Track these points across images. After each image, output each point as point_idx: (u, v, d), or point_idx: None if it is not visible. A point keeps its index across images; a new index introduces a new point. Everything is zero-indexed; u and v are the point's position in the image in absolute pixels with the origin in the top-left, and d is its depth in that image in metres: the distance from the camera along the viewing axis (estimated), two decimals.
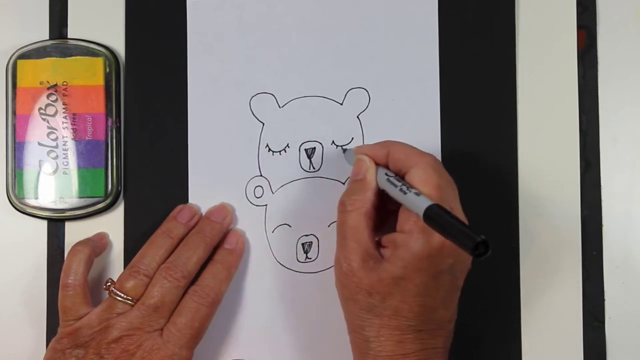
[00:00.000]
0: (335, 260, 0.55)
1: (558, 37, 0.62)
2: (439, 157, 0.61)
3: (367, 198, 0.54)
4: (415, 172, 0.53)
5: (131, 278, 0.57)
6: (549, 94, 0.62)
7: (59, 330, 0.58)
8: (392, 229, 0.54)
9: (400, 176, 0.54)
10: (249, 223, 0.62)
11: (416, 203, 0.51)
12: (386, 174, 0.54)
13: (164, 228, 0.60)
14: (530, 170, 0.61)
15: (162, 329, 0.57)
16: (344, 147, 0.61)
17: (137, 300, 0.57)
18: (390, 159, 0.55)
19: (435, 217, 0.49)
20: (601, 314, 0.61)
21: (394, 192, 0.53)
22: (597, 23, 0.62)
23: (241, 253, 0.61)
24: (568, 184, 0.62)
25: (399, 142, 0.56)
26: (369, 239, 0.53)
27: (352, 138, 0.62)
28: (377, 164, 0.55)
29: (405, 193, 0.52)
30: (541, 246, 0.61)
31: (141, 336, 0.56)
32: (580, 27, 0.62)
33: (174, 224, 0.60)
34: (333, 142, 0.62)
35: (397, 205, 0.54)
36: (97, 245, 0.61)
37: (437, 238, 0.51)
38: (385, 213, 0.56)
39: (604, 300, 0.61)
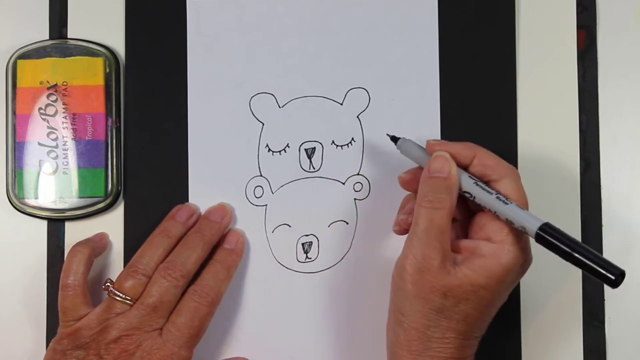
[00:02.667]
0: (408, 257, 0.52)
1: (558, 37, 0.62)
2: None
3: (454, 198, 0.53)
4: (507, 184, 0.53)
5: (130, 278, 0.57)
6: (549, 94, 0.62)
7: (59, 330, 0.58)
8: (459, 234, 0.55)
9: (484, 183, 0.54)
10: (248, 223, 0.62)
11: (523, 218, 0.51)
12: (471, 178, 0.54)
13: (162, 227, 0.60)
14: (530, 170, 0.61)
15: (161, 329, 0.57)
16: (395, 136, 0.58)
17: (136, 300, 0.57)
18: (476, 163, 0.54)
19: (551, 237, 0.50)
20: (601, 314, 0.61)
21: (485, 198, 0.53)
22: (597, 23, 0.62)
23: (241, 253, 0.61)
24: (568, 184, 0.62)
25: (484, 148, 0.55)
26: (449, 242, 0.52)
27: (352, 138, 0.62)
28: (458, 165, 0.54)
29: (506, 204, 0.52)
30: (541, 246, 0.61)
31: (140, 336, 0.56)
32: (580, 27, 0.62)
33: (172, 224, 0.60)
34: (333, 142, 0.62)
35: (467, 211, 0.54)
36: (97, 246, 0.61)
37: (526, 253, 0.52)
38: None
39: (604, 300, 0.61)
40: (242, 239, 0.61)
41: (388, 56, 0.62)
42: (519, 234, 0.52)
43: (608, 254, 0.61)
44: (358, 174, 0.62)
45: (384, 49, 0.62)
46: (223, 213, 0.61)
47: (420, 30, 0.62)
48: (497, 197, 0.52)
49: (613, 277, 0.49)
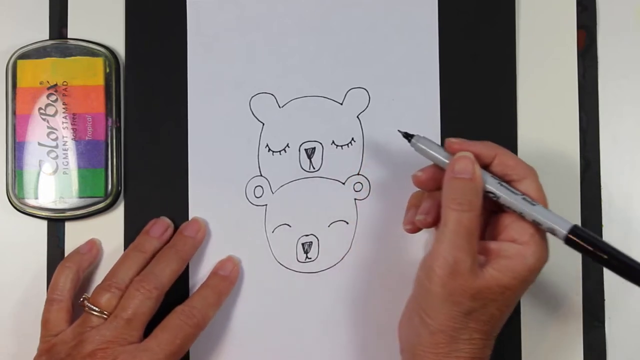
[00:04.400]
0: (441, 258, 0.52)
1: (558, 37, 0.62)
2: None
3: (480, 200, 0.53)
4: (529, 184, 0.53)
5: (104, 292, 0.57)
6: (549, 94, 0.62)
7: (38, 347, 0.58)
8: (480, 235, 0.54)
9: (506, 183, 0.54)
10: (248, 223, 0.62)
11: (552, 219, 0.52)
12: (494, 178, 0.54)
13: (136, 243, 0.60)
14: None
15: (137, 343, 0.56)
16: (408, 132, 0.56)
17: (111, 313, 0.57)
18: (497, 163, 0.54)
19: (583, 240, 0.51)
20: (601, 314, 0.61)
21: (511, 199, 0.53)
22: (597, 23, 0.62)
23: (234, 281, 0.61)
24: (568, 184, 0.62)
25: (504, 148, 0.55)
26: (477, 244, 0.52)
27: (352, 138, 0.62)
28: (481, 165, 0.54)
29: (533, 205, 0.52)
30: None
31: (115, 349, 0.55)
32: (580, 27, 0.62)
33: (146, 239, 0.60)
34: (333, 142, 0.62)
35: (487, 211, 0.54)
36: (87, 258, 0.61)
37: (547, 252, 0.53)
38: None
39: (604, 300, 0.61)
40: (238, 267, 0.61)
41: (388, 56, 0.62)
42: (542, 235, 0.53)
43: None
44: (358, 174, 0.62)
45: (384, 49, 0.62)
46: (197, 228, 0.61)
47: (420, 30, 0.62)
48: (524, 198, 0.52)
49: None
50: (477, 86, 0.62)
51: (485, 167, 0.54)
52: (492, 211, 0.55)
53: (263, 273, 0.62)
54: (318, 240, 0.62)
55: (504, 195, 0.53)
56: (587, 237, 0.52)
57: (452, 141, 0.55)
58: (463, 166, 0.53)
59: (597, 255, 0.51)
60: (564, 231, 0.51)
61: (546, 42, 0.62)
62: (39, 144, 0.62)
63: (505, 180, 0.54)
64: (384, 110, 0.62)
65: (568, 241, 0.52)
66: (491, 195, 0.53)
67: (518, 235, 0.53)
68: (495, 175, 0.54)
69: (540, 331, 0.61)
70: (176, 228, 0.62)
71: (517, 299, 0.54)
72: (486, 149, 0.54)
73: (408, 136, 0.56)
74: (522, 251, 0.52)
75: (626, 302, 0.61)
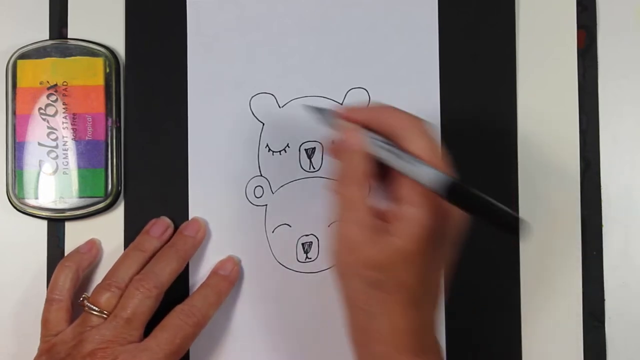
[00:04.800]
0: (337, 237, 0.51)
1: (558, 37, 0.62)
2: None
3: (365, 168, 0.51)
4: (415, 140, 0.50)
5: (104, 291, 0.57)
6: (549, 94, 0.62)
7: (39, 347, 0.58)
8: (384, 197, 0.52)
9: (392, 142, 0.51)
10: (249, 223, 0.62)
11: (430, 177, 0.48)
12: (380, 141, 0.51)
13: (136, 242, 0.60)
14: (530, 170, 0.61)
15: (137, 342, 0.56)
16: (318, 107, 0.56)
17: (111, 313, 0.57)
18: (380, 124, 0.52)
19: (460, 195, 0.48)
20: (601, 314, 0.61)
21: (395, 162, 0.50)
22: (597, 23, 0.62)
23: (234, 281, 0.61)
24: (568, 184, 0.62)
25: (387, 105, 0.53)
26: (368, 211, 0.50)
27: None
28: (366, 129, 0.52)
29: (413, 165, 0.49)
30: (541, 246, 0.61)
31: (115, 349, 0.55)
32: (580, 27, 0.62)
33: (146, 238, 0.60)
34: (333, 142, 0.62)
35: (388, 173, 0.51)
36: (87, 257, 0.61)
37: (440, 209, 0.49)
38: (376, 178, 0.53)
39: (604, 300, 0.61)
40: (238, 267, 0.61)
41: (388, 56, 0.62)
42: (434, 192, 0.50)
43: (608, 253, 0.61)
44: None
45: (384, 49, 0.62)
46: (197, 227, 0.61)
47: (420, 30, 0.62)
48: (404, 159, 0.50)
49: (517, 227, 0.46)
50: (477, 86, 0.62)
51: (375, 132, 0.52)
52: (388, 176, 0.53)
53: (263, 273, 0.62)
54: (318, 240, 0.62)
55: (387, 157, 0.50)
56: (465, 193, 0.48)
57: (339, 111, 0.53)
58: (346, 137, 0.52)
59: (474, 210, 0.48)
60: (441, 188, 0.48)
61: (546, 42, 0.62)
62: (39, 144, 0.62)
63: (394, 140, 0.51)
64: None
65: (449, 198, 0.48)
66: (379, 160, 0.51)
67: (410, 196, 0.50)
68: (384, 137, 0.51)
69: (540, 331, 0.61)
70: (176, 228, 0.62)
71: (431, 261, 0.50)
72: (367, 112, 0.53)
73: (318, 110, 0.55)
74: (415, 212, 0.49)
75: (626, 302, 0.61)
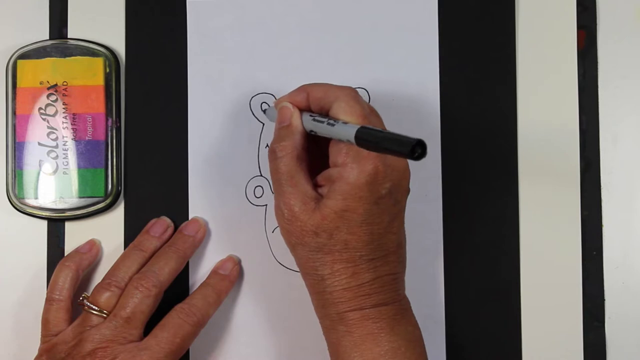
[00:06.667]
0: (276, 209, 0.54)
1: (558, 37, 0.62)
2: (439, 157, 0.61)
3: (297, 141, 0.54)
4: (338, 106, 0.53)
5: (103, 291, 0.57)
6: (549, 94, 0.62)
7: (39, 347, 0.58)
8: (327, 168, 0.54)
9: (324, 114, 0.54)
10: (249, 223, 0.62)
11: (345, 131, 0.51)
12: (310, 115, 0.54)
13: (136, 242, 0.60)
14: (530, 170, 0.61)
15: (137, 341, 0.56)
16: (264, 109, 0.61)
17: (111, 312, 0.57)
18: (311, 100, 0.55)
19: (366, 137, 0.49)
20: (601, 314, 0.61)
21: (321, 128, 0.53)
22: (597, 23, 0.62)
23: (234, 280, 0.61)
24: (568, 184, 0.62)
25: (315, 83, 0.55)
26: (305, 182, 0.53)
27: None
28: (300, 109, 0.55)
29: (333, 125, 0.52)
30: (541, 246, 0.61)
31: (115, 348, 0.55)
32: (580, 27, 0.62)
33: (146, 238, 0.60)
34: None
35: (328, 145, 0.54)
36: (87, 257, 0.61)
37: (370, 164, 0.51)
38: (319, 156, 0.55)
39: (604, 300, 0.61)
40: (237, 267, 0.62)
41: (388, 56, 0.62)
42: (357, 151, 0.51)
43: (608, 253, 0.61)
44: None
45: (384, 49, 0.62)
46: (197, 227, 0.61)
47: (420, 30, 0.62)
48: (327, 123, 0.52)
49: (411, 152, 0.46)
50: (477, 86, 0.62)
51: (308, 108, 0.55)
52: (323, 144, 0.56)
53: (263, 273, 0.62)
54: None
55: (315, 127, 0.53)
56: (371, 134, 0.49)
57: (274, 102, 0.57)
58: (281, 116, 0.55)
59: (382, 147, 0.48)
60: (351, 138, 0.50)
61: (546, 42, 0.62)
62: (39, 144, 0.62)
63: (324, 111, 0.54)
64: (384, 110, 0.62)
65: (358, 144, 0.50)
66: (313, 133, 0.54)
67: (336, 157, 0.52)
68: (315, 112, 0.54)
69: (540, 331, 0.61)
70: (176, 228, 0.62)
71: (367, 217, 0.52)
72: (298, 93, 0.55)
73: (264, 112, 0.61)
74: (341, 172, 0.52)
75: (626, 302, 0.61)
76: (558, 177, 0.62)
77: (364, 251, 0.52)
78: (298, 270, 0.62)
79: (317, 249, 0.52)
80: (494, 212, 0.62)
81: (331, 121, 0.52)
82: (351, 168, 0.51)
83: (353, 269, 0.52)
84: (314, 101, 0.54)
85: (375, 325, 0.52)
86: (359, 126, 0.50)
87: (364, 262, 0.52)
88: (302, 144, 0.54)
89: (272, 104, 0.62)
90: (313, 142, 0.55)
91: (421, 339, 0.54)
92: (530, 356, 0.61)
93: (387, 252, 0.53)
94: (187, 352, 0.61)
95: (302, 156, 0.54)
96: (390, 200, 0.53)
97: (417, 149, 0.46)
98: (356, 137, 0.49)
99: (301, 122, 0.54)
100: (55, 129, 0.62)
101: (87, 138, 0.62)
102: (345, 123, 0.51)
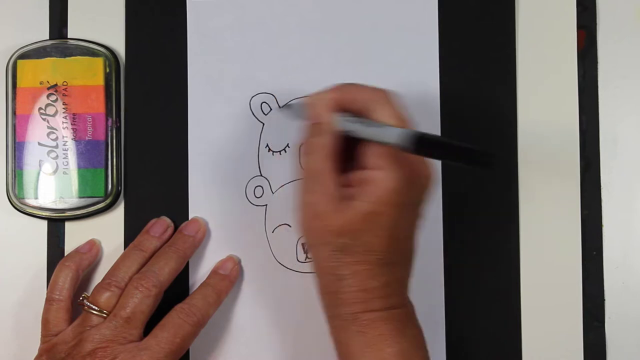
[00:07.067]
0: (301, 206, 0.53)
1: (558, 37, 0.62)
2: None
3: (329, 140, 0.53)
4: (381, 110, 0.52)
5: (103, 290, 0.57)
6: (549, 94, 0.62)
7: (39, 347, 0.58)
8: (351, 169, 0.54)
9: (359, 115, 0.53)
10: (249, 223, 0.62)
11: (393, 135, 0.50)
12: (347, 117, 0.53)
13: (136, 242, 0.60)
14: (530, 170, 0.61)
15: (137, 341, 0.56)
16: (288, 104, 0.60)
17: (111, 312, 0.57)
18: (345, 100, 0.54)
19: (426, 144, 0.49)
20: (601, 314, 0.61)
21: (360, 130, 0.52)
22: (597, 23, 0.62)
23: (234, 280, 0.61)
24: (568, 184, 0.62)
25: (350, 83, 0.54)
26: (334, 181, 0.52)
27: None
28: (334, 108, 0.54)
29: (380, 129, 0.51)
30: (541, 246, 0.61)
31: (115, 348, 0.55)
32: (580, 27, 0.62)
33: (146, 238, 0.60)
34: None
35: (358, 147, 0.53)
36: (87, 257, 0.61)
37: (406, 170, 0.51)
38: (347, 156, 0.55)
39: (604, 300, 0.61)
40: (237, 267, 0.62)
41: (388, 56, 0.62)
42: (399, 154, 0.51)
43: (608, 253, 0.61)
44: None
45: (384, 49, 0.62)
46: (197, 227, 0.61)
47: (420, 30, 0.62)
48: (369, 124, 0.52)
49: (487, 161, 0.47)
50: (477, 86, 0.62)
51: (342, 108, 0.54)
52: (358, 151, 0.54)
53: (263, 273, 0.62)
54: None
55: (352, 128, 0.52)
56: (430, 142, 0.49)
57: (304, 100, 0.55)
58: (313, 113, 0.54)
59: (444, 155, 0.49)
60: (408, 142, 0.49)
61: (546, 42, 0.62)
62: (39, 144, 0.62)
63: (362, 114, 0.53)
64: None
65: (416, 150, 0.49)
66: (348, 134, 0.53)
67: (373, 160, 0.52)
68: (353, 113, 0.53)
69: (540, 331, 0.61)
70: (176, 228, 0.62)
71: (392, 222, 0.51)
72: (332, 92, 0.54)
73: (288, 107, 0.59)
74: (378, 175, 0.51)
75: (626, 302, 0.61)
76: (558, 177, 0.62)
77: (385, 255, 0.52)
78: (298, 270, 0.62)
79: (339, 250, 0.52)
80: (494, 212, 0.62)
81: (376, 124, 0.51)
82: (387, 172, 0.51)
83: (370, 271, 0.52)
84: (348, 101, 0.53)
85: (387, 327, 0.52)
86: (409, 130, 0.49)
87: (382, 265, 0.52)
88: (334, 143, 0.53)
89: (272, 104, 0.62)
90: (345, 141, 0.54)
91: (425, 344, 0.54)
92: (530, 356, 0.61)
93: (403, 257, 0.54)
94: (187, 352, 0.61)
95: (332, 155, 0.53)
96: (416, 207, 0.53)
97: (485, 157, 0.47)
98: (416, 145, 0.48)
99: (335, 122, 0.53)
100: (55, 129, 0.62)
101: (87, 138, 0.62)
102: (389, 126, 0.51)
